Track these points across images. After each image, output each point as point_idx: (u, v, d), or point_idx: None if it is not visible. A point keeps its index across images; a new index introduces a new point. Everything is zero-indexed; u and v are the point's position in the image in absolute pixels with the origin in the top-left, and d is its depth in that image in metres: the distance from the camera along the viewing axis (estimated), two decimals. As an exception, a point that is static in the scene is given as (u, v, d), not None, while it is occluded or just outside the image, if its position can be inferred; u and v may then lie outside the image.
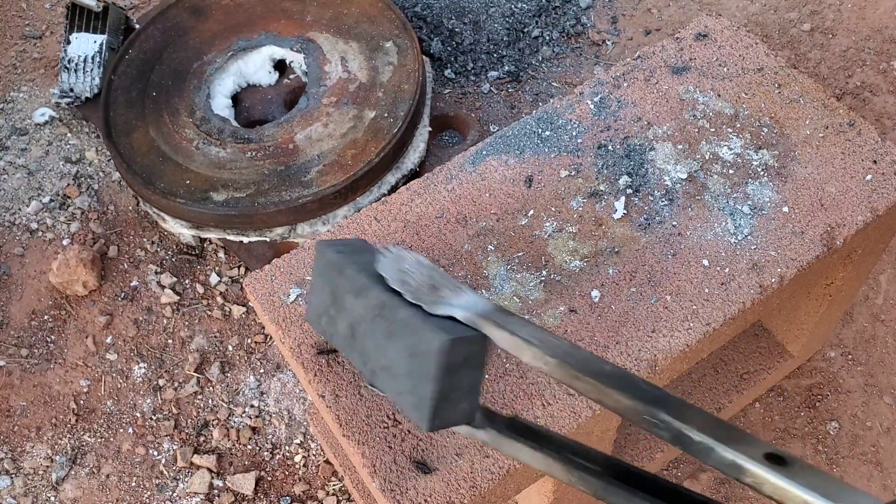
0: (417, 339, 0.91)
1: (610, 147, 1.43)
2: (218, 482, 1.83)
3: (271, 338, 1.99)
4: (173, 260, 2.11)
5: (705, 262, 1.30)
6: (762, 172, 1.39)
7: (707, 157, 1.41)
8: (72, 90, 2.29)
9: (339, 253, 1.06)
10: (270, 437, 1.88)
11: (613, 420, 1.30)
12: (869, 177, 1.38)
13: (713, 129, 1.45)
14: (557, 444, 0.89)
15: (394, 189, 2.04)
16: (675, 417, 0.77)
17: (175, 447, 1.87)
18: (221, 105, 2.16)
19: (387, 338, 0.96)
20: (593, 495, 0.83)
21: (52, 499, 1.83)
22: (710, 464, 0.76)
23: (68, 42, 2.30)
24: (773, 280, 1.29)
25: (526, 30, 2.51)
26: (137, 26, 2.32)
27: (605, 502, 0.83)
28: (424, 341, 0.90)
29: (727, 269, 1.29)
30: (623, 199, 1.37)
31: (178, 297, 2.05)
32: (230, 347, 1.99)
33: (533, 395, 1.19)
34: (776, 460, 0.71)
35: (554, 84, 2.42)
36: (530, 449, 0.88)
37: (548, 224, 1.35)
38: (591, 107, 1.49)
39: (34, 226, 2.16)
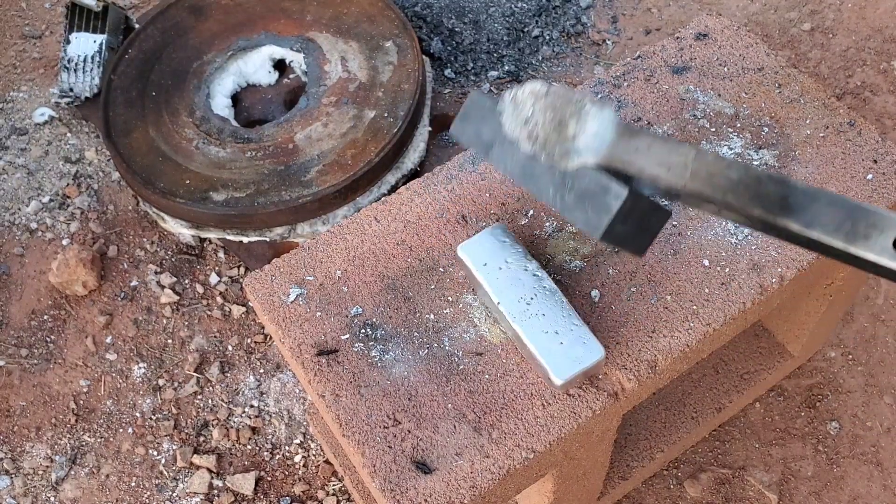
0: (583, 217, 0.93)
1: (610, 147, 1.43)
2: (218, 482, 1.83)
3: (271, 338, 1.99)
4: (173, 260, 2.11)
5: (706, 262, 1.30)
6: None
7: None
8: (71, 90, 2.29)
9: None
10: (270, 437, 1.88)
11: (613, 420, 1.30)
12: (869, 176, 1.38)
13: (713, 129, 1.44)
14: None
15: (394, 189, 2.04)
16: (804, 226, 0.80)
17: (175, 447, 1.87)
18: (221, 105, 2.16)
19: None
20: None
21: (52, 499, 1.83)
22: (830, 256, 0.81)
23: (68, 42, 2.30)
24: (774, 280, 1.28)
25: (526, 29, 2.51)
26: (137, 26, 2.32)
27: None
28: (586, 229, 0.92)
29: (727, 269, 1.29)
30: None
31: (178, 297, 2.05)
32: (230, 347, 1.99)
33: (533, 395, 1.19)
34: None
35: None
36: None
37: (548, 224, 1.35)
38: (592, 107, 1.49)
39: (34, 226, 2.16)
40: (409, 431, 1.16)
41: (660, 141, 0.90)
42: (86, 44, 2.28)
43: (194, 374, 1.95)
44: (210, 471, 1.83)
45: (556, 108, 0.96)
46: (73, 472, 1.85)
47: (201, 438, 1.88)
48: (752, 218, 0.84)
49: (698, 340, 1.24)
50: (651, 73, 1.53)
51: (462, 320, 1.25)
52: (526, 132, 0.97)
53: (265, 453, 1.86)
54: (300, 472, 1.84)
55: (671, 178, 0.87)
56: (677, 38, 1.58)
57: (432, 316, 1.26)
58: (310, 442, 1.87)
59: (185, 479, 1.83)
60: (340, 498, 1.80)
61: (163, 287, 2.06)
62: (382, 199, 1.40)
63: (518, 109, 0.98)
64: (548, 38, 2.51)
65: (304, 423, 1.89)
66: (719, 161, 0.86)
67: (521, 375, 1.20)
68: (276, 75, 2.26)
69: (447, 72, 2.41)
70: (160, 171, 2.01)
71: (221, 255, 2.12)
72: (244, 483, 1.81)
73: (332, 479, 1.83)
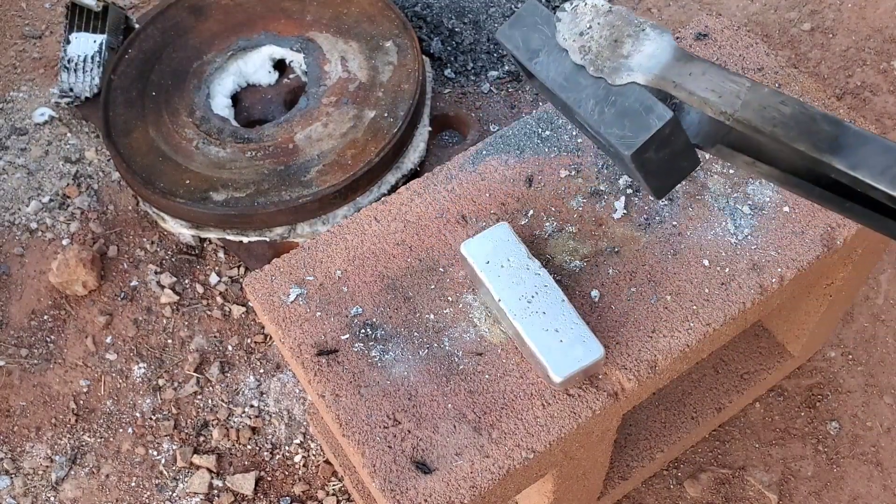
0: (613, 140, 0.93)
1: (610, 147, 1.43)
2: (218, 482, 1.83)
3: (271, 338, 1.99)
4: (173, 260, 2.11)
5: (705, 262, 1.30)
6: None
7: (707, 157, 1.41)
8: (71, 90, 2.29)
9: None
10: (270, 437, 1.88)
11: (613, 420, 1.30)
12: (869, 177, 1.38)
13: (713, 129, 1.44)
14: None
15: (394, 189, 2.04)
16: (850, 167, 0.79)
17: (175, 447, 1.87)
18: (221, 105, 2.16)
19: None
20: (807, 197, 0.86)
21: (52, 499, 1.83)
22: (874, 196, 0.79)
23: (68, 42, 2.30)
24: (774, 280, 1.28)
25: (526, 30, 2.51)
26: (137, 26, 2.32)
27: (820, 203, 0.85)
28: (618, 144, 0.92)
29: (727, 269, 1.29)
30: (623, 198, 1.37)
31: (178, 297, 2.05)
32: (230, 347, 1.99)
33: (533, 395, 1.19)
34: None
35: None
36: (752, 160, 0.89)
37: (548, 224, 1.35)
38: (591, 107, 1.49)
39: (34, 226, 2.16)
40: (409, 431, 1.16)
41: (716, 68, 0.89)
42: (86, 44, 2.28)
43: (194, 374, 1.95)
44: (210, 471, 1.83)
45: (615, 27, 0.95)
46: (73, 472, 1.85)
47: (201, 438, 1.88)
48: (796, 159, 0.82)
49: (698, 340, 1.24)
50: (651, 73, 1.52)
51: (462, 320, 1.25)
52: (580, 44, 0.96)
53: (265, 453, 1.86)
54: (300, 472, 1.84)
55: (721, 104, 0.86)
56: (677, 38, 1.58)
57: (432, 316, 1.27)
58: (310, 442, 1.87)
59: (185, 479, 1.83)
60: (340, 498, 1.80)
61: (163, 287, 2.06)
62: (382, 199, 1.40)
63: (576, 20, 0.97)
64: (548, 38, 2.51)
65: (304, 423, 1.89)
66: (774, 95, 0.84)
67: (521, 375, 1.20)
68: (276, 75, 2.26)
69: (447, 72, 2.41)
70: (160, 171, 2.01)
71: (221, 255, 2.12)
72: (244, 483, 1.82)
73: (332, 479, 1.83)
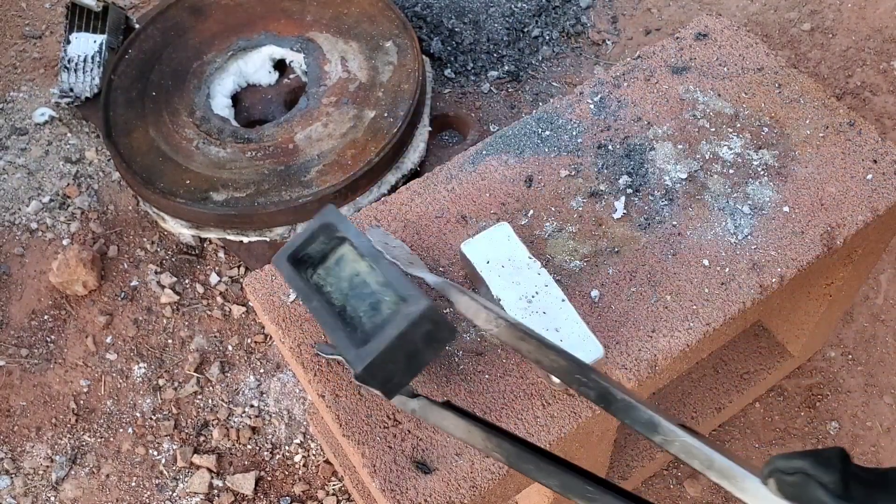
0: (404, 292, 1.04)
1: (610, 147, 1.43)
2: (218, 482, 1.83)
3: (271, 338, 1.99)
4: (173, 260, 2.11)
5: (705, 262, 1.30)
6: (762, 172, 1.39)
7: (707, 157, 1.41)
8: (72, 90, 2.29)
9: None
10: (270, 437, 1.88)
11: (613, 420, 1.30)
12: (869, 176, 1.38)
13: (713, 129, 1.45)
14: (482, 421, 0.96)
15: (394, 189, 2.04)
16: (601, 378, 0.88)
17: (175, 447, 1.87)
18: (221, 105, 2.16)
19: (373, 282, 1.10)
20: (506, 463, 0.91)
21: (52, 499, 1.83)
22: (628, 422, 0.85)
23: (68, 42, 2.30)
24: (774, 280, 1.28)
25: (526, 29, 2.51)
26: (137, 26, 2.32)
27: (517, 469, 0.90)
28: (410, 298, 1.02)
29: (727, 269, 1.29)
30: (623, 198, 1.37)
31: (178, 297, 2.05)
32: (230, 347, 1.99)
33: (533, 395, 1.19)
34: (687, 429, 0.81)
35: (554, 84, 2.42)
36: (455, 417, 0.96)
37: (548, 224, 1.35)
38: (591, 106, 1.49)
39: (34, 226, 2.16)
40: (409, 431, 1.16)
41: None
42: (86, 44, 2.28)
43: (194, 374, 1.95)
44: (210, 471, 1.83)
45: (412, 259, 1.06)
46: (73, 472, 1.85)
47: (201, 438, 1.88)
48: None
49: (698, 340, 1.24)
50: (651, 73, 1.53)
51: (462, 320, 1.25)
52: (383, 244, 1.08)
53: (265, 453, 1.86)
54: (300, 472, 1.84)
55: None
56: (677, 38, 1.58)
57: (432, 316, 1.26)
58: (310, 442, 1.87)
59: (185, 479, 1.83)
60: (340, 498, 1.80)
61: (163, 287, 2.06)
62: (382, 199, 1.40)
63: (384, 237, 1.08)
64: (548, 38, 2.51)
65: (304, 423, 1.89)
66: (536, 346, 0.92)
67: (521, 375, 1.20)
68: (276, 75, 2.26)
69: (447, 72, 2.41)
70: (160, 171, 2.01)
71: (221, 255, 2.12)
72: (244, 483, 1.82)
73: (332, 479, 1.83)
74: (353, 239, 1.16)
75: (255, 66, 2.23)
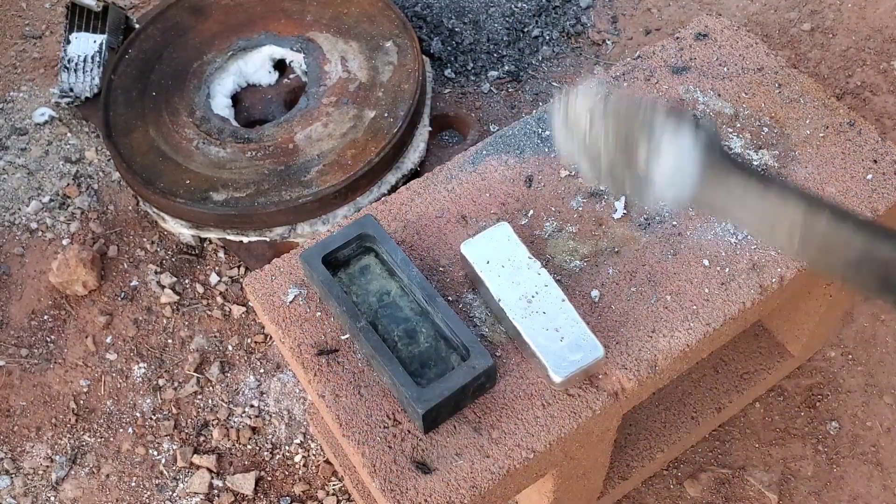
0: (469, 342, 1.17)
1: (610, 147, 1.43)
2: (218, 482, 1.83)
3: (271, 338, 1.99)
4: (173, 260, 2.11)
5: (705, 262, 1.30)
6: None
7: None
8: (72, 90, 2.29)
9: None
10: (270, 437, 1.88)
11: (613, 420, 1.30)
12: (869, 176, 1.38)
13: (713, 129, 1.44)
14: None
15: (394, 189, 2.04)
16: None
17: (175, 447, 1.87)
18: (221, 105, 2.16)
19: None
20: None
21: (52, 499, 1.82)
22: None
23: (68, 42, 2.30)
24: (774, 280, 1.28)
25: (526, 29, 2.51)
26: (137, 26, 2.32)
27: None
28: (475, 351, 1.15)
29: (727, 269, 1.29)
30: (623, 198, 1.37)
31: (178, 297, 2.05)
32: (230, 347, 1.99)
33: (533, 395, 1.19)
34: None
35: (554, 84, 2.42)
36: None
37: (548, 224, 1.35)
38: (591, 107, 1.49)
39: (34, 226, 2.16)
40: (409, 431, 1.16)
41: (759, 182, 0.73)
42: (86, 44, 2.28)
43: (194, 373, 1.95)
44: (210, 471, 1.83)
45: (621, 117, 0.77)
46: (73, 472, 1.85)
47: (201, 438, 1.88)
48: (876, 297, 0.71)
49: (698, 340, 1.24)
50: (651, 73, 1.53)
51: (462, 320, 1.25)
52: (585, 151, 0.80)
53: (265, 453, 1.86)
54: (300, 472, 1.84)
55: (777, 242, 0.74)
56: (677, 38, 1.58)
57: (432, 316, 1.26)
58: (310, 442, 1.87)
59: (185, 479, 1.83)
60: (340, 498, 1.80)
61: (163, 287, 2.06)
62: (382, 199, 1.40)
63: (572, 116, 0.81)
64: (548, 38, 2.51)
65: (304, 423, 1.89)
66: (836, 229, 0.69)
67: (521, 375, 1.20)
68: (276, 75, 2.26)
69: (447, 72, 2.41)
70: (160, 171, 2.01)
71: (221, 255, 2.12)
72: (244, 483, 1.82)
73: (332, 479, 1.83)
74: (391, 256, 1.23)
75: (255, 66, 2.23)
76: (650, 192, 0.79)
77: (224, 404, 1.92)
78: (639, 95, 0.78)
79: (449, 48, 2.43)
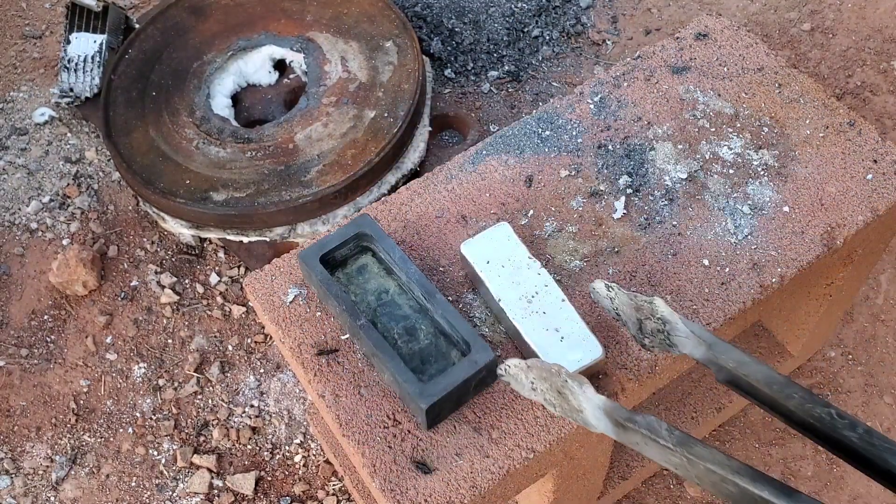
0: (469, 337, 1.17)
1: (610, 147, 1.43)
2: (218, 482, 1.83)
3: (271, 338, 1.99)
4: (173, 260, 2.11)
5: (705, 262, 1.30)
6: (762, 172, 1.39)
7: (707, 157, 1.41)
8: (72, 90, 2.29)
9: None
10: (270, 437, 1.88)
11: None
12: (869, 176, 1.38)
13: (713, 129, 1.45)
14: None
15: (394, 189, 2.04)
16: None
17: (175, 447, 1.87)
18: (221, 105, 2.16)
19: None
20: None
21: (52, 499, 1.83)
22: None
23: (68, 42, 2.30)
24: (774, 280, 1.28)
25: (526, 29, 2.51)
26: (137, 26, 2.32)
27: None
28: (476, 346, 1.16)
29: (727, 269, 1.29)
30: (623, 198, 1.37)
31: (178, 297, 2.05)
32: (230, 347, 1.99)
33: (533, 395, 1.19)
34: None
35: (554, 84, 2.42)
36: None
37: (548, 224, 1.35)
38: (591, 106, 1.49)
39: (34, 226, 2.16)
40: (409, 431, 1.16)
41: (650, 440, 0.95)
42: (86, 44, 2.28)
43: (194, 374, 1.95)
44: (210, 471, 1.83)
45: (546, 380, 1.03)
46: (73, 472, 1.85)
47: (201, 438, 1.88)
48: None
49: (698, 340, 1.24)
50: (651, 73, 1.53)
51: (462, 315, 1.25)
52: (543, 399, 1.04)
53: (265, 453, 1.86)
54: (300, 472, 1.84)
55: (683, 475, 0.94)
56: (677, 38, 1.58)
57: (432, 316, 1.26)
58: (310, 442, 1.87)
59: (186, 479, 1.83)
60: (340, 498, 1.80)
61: (163, 287, 2.06)
62: (382, 199, 1.40)
63: (520, 383, 1.06)
64: (548, 38, 2.51)
65: (304, 423, 1.89)
66: (717, 470, 0.89)
67: (521, 375, 1.20)
68: (276, 75, 2.26)
69: (447, 72, 2.41)
70: (160, 171, 2.01)
71: (221, 255, 2.12)
72: (244, 483, 1.82)
73: (332, 479, 1.83)
74: (388, 255, 1.23)
75: (255, 66, 2.23)
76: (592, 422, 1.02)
77: (224, 404, 1.92)
78: (546, 364, 1.06)
79: (449, 48, 2.43)
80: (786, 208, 1.35)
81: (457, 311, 1.18)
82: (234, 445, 1.87)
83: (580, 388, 1.00)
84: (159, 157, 2.04)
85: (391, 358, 1.14)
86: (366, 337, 1.16)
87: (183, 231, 2.04)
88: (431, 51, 2.40)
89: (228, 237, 2.01)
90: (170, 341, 2.00)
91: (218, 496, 1.81)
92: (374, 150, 1.98)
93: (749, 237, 1.32)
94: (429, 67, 2.27)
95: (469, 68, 2.42)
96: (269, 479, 1.84)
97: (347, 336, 1.24)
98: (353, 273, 1.26)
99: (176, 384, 1.95)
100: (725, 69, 1.52)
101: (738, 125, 1.45)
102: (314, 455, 1.85)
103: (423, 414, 1.11)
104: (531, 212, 1.36)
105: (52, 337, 2.01)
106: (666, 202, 1.36)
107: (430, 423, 1.14)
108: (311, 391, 1.23)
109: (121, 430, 1.90)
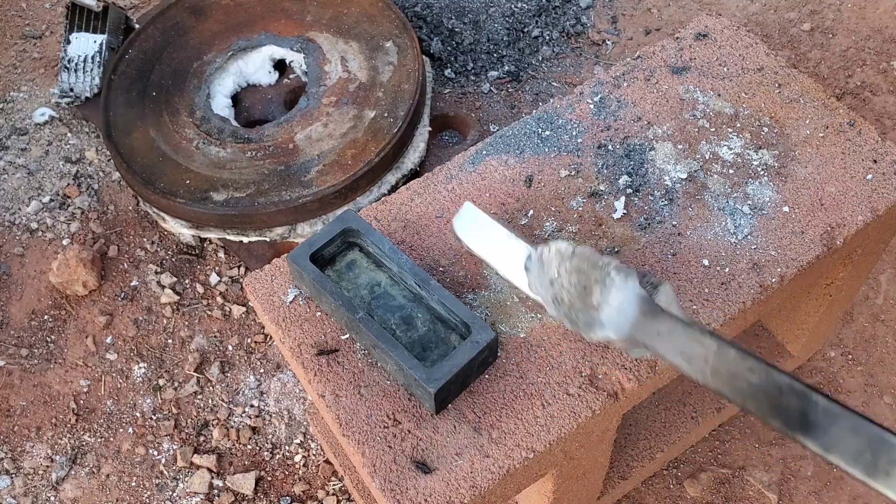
0: (468, 319, 1.17)
1: (610, 147, 1.43)
2: (218, 482, 1.83)
3: (271, 338, 1.99)
4: (173, 260, 2.11)
5: (705, 262, 1.30)
6: (762, 172, 1.39)
7: (707, 157, 1.41)
8: (72, 90, 2.29)
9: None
10: (270, 437, 1.88)
11: (613, 420, 1.30)
12: (869, 176, 1.38)
13: (713, 129, 1.45)
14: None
15: (394, 189, 2.04)
16: (823, 449, 0.80)
17: (175, 447, 1.87)
18: (221, 105, 2.16)
19: None
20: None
21: (52, 499, 1.83)
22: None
23: (68, 42, 2.30)
24: (774, 280, 1.29)
25: (526, 30, 2.51)
26: (137, 26, 2.32)
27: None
28: (476, 326, 1.16)
29: (727, 269, 1.29)
30: (623, 198, 1.37)
31: (178, 297, 2.05)
32: (230, 347, 1.99)
33: (533, 395, 1.19)
34: None
35: (554, 84, 2.42)
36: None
37: (548, 224, 1.35)
38: (591, 106, 1.49)
39: (34, 226, 2.16)
40: (409, 431, 1.16)
41: (681, 326, 0.91)
42: (86, 44, 2.28)
43: (194, 373, 1.95)
44: (210, 470, 1.83)
45: (582, 272, 0.99)
46: (73, 472, 1.85)
47: (201, 438, 1.88)
48: (773, 426, 0.85)
49: (698, 340, 1.24)
50: (651, 73, 1.53)
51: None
52: (552, 294, 1.02)
53: (265, 453, 1.86)
54: (300, 472, 1.84)
55: (691, 371, 0.90)
56: (677, 38, 1.58)
57: (432, 316, 1.26)
58: (310, 442, 1.87)
59: (186, 479, 1.83)
60: (340, 498, 1.80)
61: (163, 287, 2.06)
62: (382, 198, 1.40)
63: (543, 269, 1.02)
64: (548, 38, 2.51)
65: (304, 423, 1.89)
66: (741, 360, 0.85)
67: (521, 375, 1.20)
68: (276, 75, 2.26)
69: (447, 72, 2.41)
70: (160, 171, 2.01)
71: (221, 255, 2.12)
72: (244, 483, 1.82)
73: (332, 479, 1.83)
74: (377, 247, 1.23)
75: (255, 66, 2.23)
76: (597, 330, 1.00)
77: (224, 404, 1.92)
78: (597, 254, 1.02)
79: (449, 48, 2.43)
80: (786, 208, 1.35)
81: (452, 295, 1.19)
82: (234, 445, 1.87)
83: (625, 280, 0.97)
84: (159, 157, 2.04)
85: (394, 347, 1.14)
86: (366, 329, 1.16)
87: (183, 231, 2.04)
88: (431, 51, 2.40)
89: (228, 237, 2.01)
90: (170, 341, 2.00)
91: (218, 496, 1.81)
92: (374, 150, 1.98)
93: (749, 237, 1.32)
94: (429, 67, 2.27)
95: (469, 68, 2.42)
96: (269, 478, 1.84)
97: (347, 336, 1.24)
98: (343, 269, 1.26)
99: (176, 384, 1.95)
100: (725, 69, 1.52)
101: (738, 125, 1.45)
102: (314, 455, 1.85)
103: (431, 399, 1.11)
104: (531, 212, 1.36)
105: (53, 337, 2.01)
106: (666, 202, 1.36)
107: (438, 408, 1.15)
108: (311, 391, 1.23)
109: (121, 430, 1.90)
